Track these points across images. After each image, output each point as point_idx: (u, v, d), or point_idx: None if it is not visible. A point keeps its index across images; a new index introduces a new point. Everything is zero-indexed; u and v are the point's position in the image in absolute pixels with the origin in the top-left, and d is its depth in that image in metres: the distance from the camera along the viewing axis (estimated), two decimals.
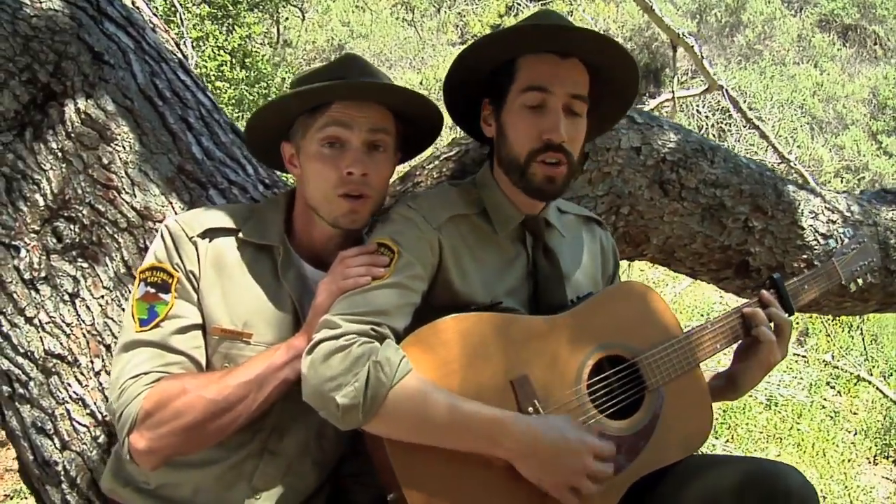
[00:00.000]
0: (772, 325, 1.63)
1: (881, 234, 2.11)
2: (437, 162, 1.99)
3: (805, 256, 2.05)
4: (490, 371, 1.41)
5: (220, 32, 7.39)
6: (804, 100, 10.53)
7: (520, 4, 12.66)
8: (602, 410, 1.49)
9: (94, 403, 1.88)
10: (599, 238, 1.77)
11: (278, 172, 2.27)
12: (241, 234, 1.55)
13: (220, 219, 1.56)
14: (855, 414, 6.68)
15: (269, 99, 1.60)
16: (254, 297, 1.52)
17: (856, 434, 6.40)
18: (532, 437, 1.35)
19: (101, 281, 1.92)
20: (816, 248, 2.06)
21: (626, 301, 1.60)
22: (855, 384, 6.82)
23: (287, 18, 10.49)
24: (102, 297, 1.91)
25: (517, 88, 1.52)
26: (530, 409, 1.40)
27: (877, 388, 6.65)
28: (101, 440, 1.87)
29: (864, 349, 6.84)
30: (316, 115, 1.53)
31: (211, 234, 1.54)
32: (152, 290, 1.48)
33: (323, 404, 1.32)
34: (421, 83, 12.64)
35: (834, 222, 2.09)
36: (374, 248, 1.48)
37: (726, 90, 6.17)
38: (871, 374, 6.86)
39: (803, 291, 1.72)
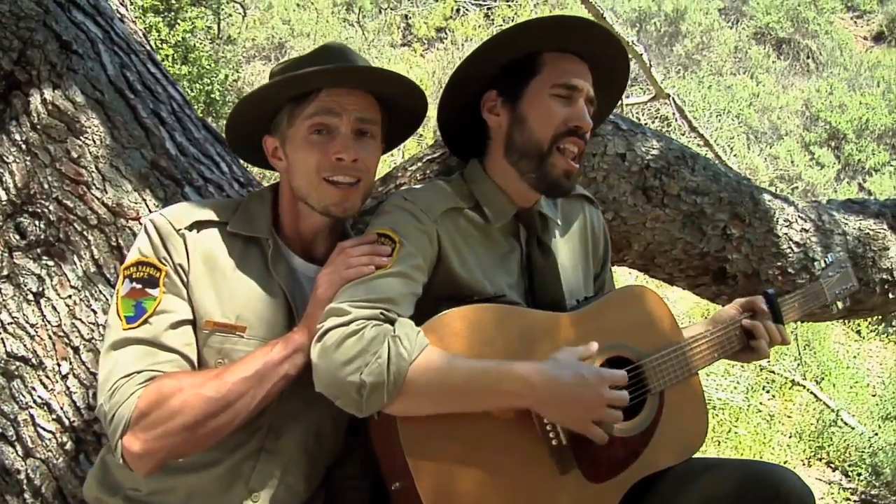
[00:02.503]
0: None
1: (850, 244, 2.17)
2: (420, 164, 1.97)
3: (780, 264, 2.09)
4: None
5: (163, 25, 7.19)
6: (741, 110, 10.81)
7: (466, 8, 12.70)
8: None
9: (61, 408, 1.80)
10: (590, 217, 1.78)
11: (252, 172, 2.21)
12: (229, 227, 1.51)
13: (207, 212, 1.52)
14: (789, 417, 6.87)
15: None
16: (245, 290, 1.48)
17: (791, 437, 6.59)
18: (551, 381, 1.37)
19: (69, 280, 1.83)
20: (791, 256, 2.11)
21: (633, 304, 1.62)
22: (790, 388, 7.02)
23: (230, 15, 10.27)
24: (70, 296, 1.83)
25: (545, 82, 1.55)
26: None
27: (810, 392, 6.87)
28: (68, 447, 1.79)
29: (799, 354, 7.05)
30: (303, 104, 1.50)
31: (198, 226, 1.49)
32: (138, 286, 1.42)
33: (340, 391, 1.30)
34: None
35: (807, 231, 2.14)
36: (375, 238, 1.47)
37: (673, 98, 6.32)
38: (805, 378, 7.07)
39: (793, 309, 1.77)
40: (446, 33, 12.92)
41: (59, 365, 1.81)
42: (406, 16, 12.73)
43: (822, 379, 7.25)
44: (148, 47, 2.22)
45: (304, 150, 1.49)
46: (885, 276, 2.22)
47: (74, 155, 1.85)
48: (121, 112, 1.91)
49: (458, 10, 12.74)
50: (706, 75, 11.59)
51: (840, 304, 1.92)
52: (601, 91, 1.63)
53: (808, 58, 12.34)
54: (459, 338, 1.39)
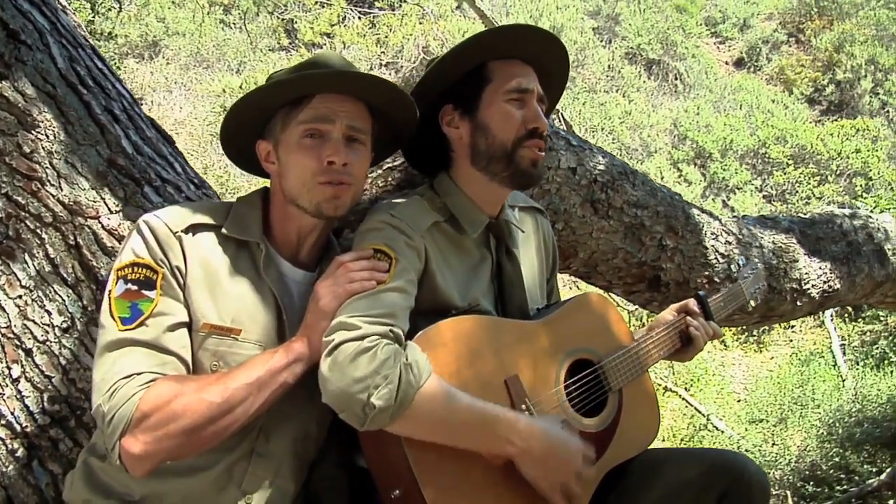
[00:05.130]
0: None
1: (766, 256, 2.38)
2: (381, 171, 2.01)
3: (707, 273, 2.27)
4: (486, 371, 1.48)
5: None
6: (613, 127, 11.38)
7: (350, 15, 12.72)
8: (577, 410, 1.60)
9: (12, 413, 1.72)
10: (543, 228, 1.88)
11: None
12: (224, 230, 1.51)
13: (202, 215, 1.51)
14: (663, 422, 7.27)
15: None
16: (239, 293, 1.48)
17: (664, 440, 6.99)
18: (537, 437, 1.44)
19: (19, 280, 1.76)
20: (717, 266, 2.29)
21: (590, 310, 1.74)
22: (663, 394, 7.44)
23: (109, 10, 9.83)
24: (20, 297, 1.75)
25: (497, 89, 1.64)
26: (523, 406, 1.49)
27: (682, 398, 7.31)
28: (19, 454, 1.72)
29: (671, 362, 7.47)
30: (297, 108, 1.53)
31: (194, 229, 1.48)
32: (134, 288, 1.39)
33: (347, 405, 1.32)
34: (241, 87, 12.33)
35: (730, 243, 2.33)
36: (371, 253, 1.50)
37: (561, 114, 6.59)
38: (676, 385, 7.52)
39: (720, 307, 1.93)
40: (325, 39, 12.90)
41: (9, 368, 1.73)
42: (292, 20, 12.59)
43: (692, 385, 7.72)
44: (91, 41, 2.16)
45: (297, 153, 1.52)
46: (794, 286, 2.45)
47: (27, 150, 1.77)
48: (74, 107, 1.85)
49: (343, 18, 12.73)
50: (580, 92, 12.09)
51: (753, 303, 2.10)
52: (545, 90, 1.74)
53: (676, 79, 13.11)
54: (450, 347, 1.46)
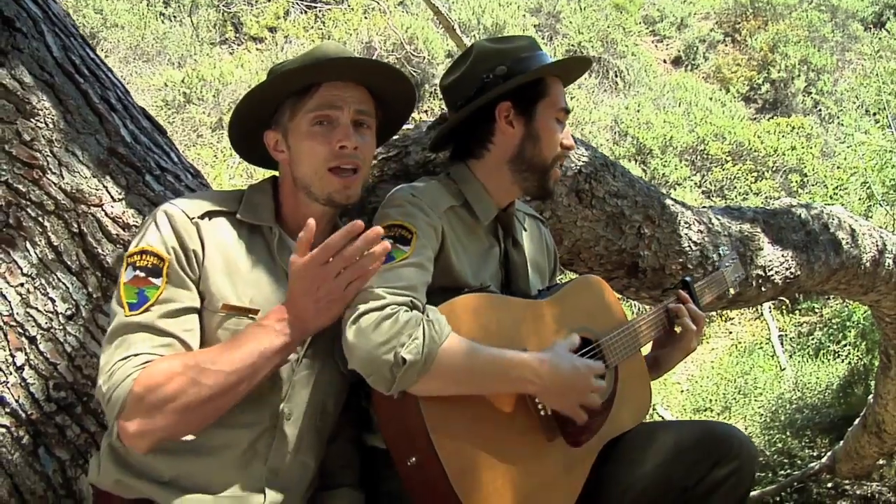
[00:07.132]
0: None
1: (734, 244, 2.51)
2: (376, 161, 2.06)
3: (681, 260, 2.38)
4: (497, 346, 1.55)
5: None
6: None
7: (296, 9, 12.65)
8: None
9: (17, 401, 1.73)
10: (545, 235, 2.00)
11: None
12: (238, 215, 1.57)
13: (216, 202, 1.58)
14: None
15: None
16: (255, 275, 1.54)
17: None
18: (553, 371, 1.55)
19: (20, 268, 1.77)
20: (690, 253, 2.41)
21: (589, 291, 1.84)
22: None
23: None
24: (22, 284, 1.76)
25: (550, 105, 1.76)
26: None
27: None
28: (24, 441, 1.73)
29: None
30: (304, 97, 1.59)
31: (210, 215, 1.54)
32: (142, 274, 1.44)
33: (374, 368, 1.39)
34: (183, 81, 12.15)
35: (702, 232, 2.45)
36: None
37: None
38: None
39: (706, 293, 2.04)
40: (269, 34, 12.80)
41: (13, 356, 1.74)
42: (237, 14, 12.46)
43: None
44: (80, 31, 2.16)
45: (308, 140, 1.57)
46: (760, 273, 2.59)
47: (27, 137, 1.78)
48: (72, 96, 1.86)
49: (287, 12, 12.67)
50: None
51: (733, 290, 2.23)
52: None
53: (616, 76, 13.35)
54: (465, 322, 1.54)
